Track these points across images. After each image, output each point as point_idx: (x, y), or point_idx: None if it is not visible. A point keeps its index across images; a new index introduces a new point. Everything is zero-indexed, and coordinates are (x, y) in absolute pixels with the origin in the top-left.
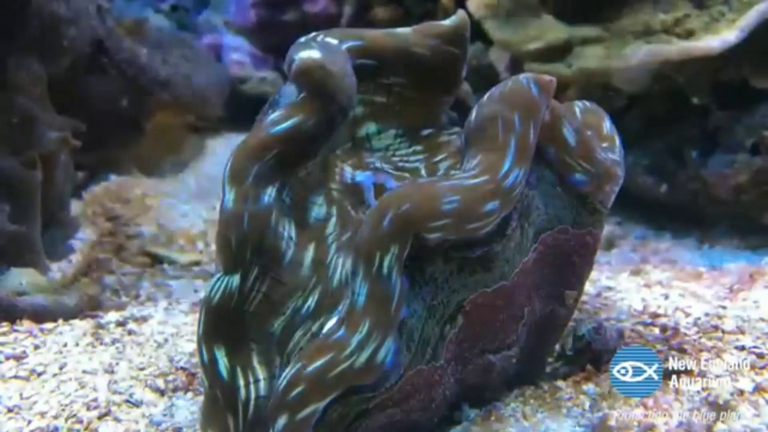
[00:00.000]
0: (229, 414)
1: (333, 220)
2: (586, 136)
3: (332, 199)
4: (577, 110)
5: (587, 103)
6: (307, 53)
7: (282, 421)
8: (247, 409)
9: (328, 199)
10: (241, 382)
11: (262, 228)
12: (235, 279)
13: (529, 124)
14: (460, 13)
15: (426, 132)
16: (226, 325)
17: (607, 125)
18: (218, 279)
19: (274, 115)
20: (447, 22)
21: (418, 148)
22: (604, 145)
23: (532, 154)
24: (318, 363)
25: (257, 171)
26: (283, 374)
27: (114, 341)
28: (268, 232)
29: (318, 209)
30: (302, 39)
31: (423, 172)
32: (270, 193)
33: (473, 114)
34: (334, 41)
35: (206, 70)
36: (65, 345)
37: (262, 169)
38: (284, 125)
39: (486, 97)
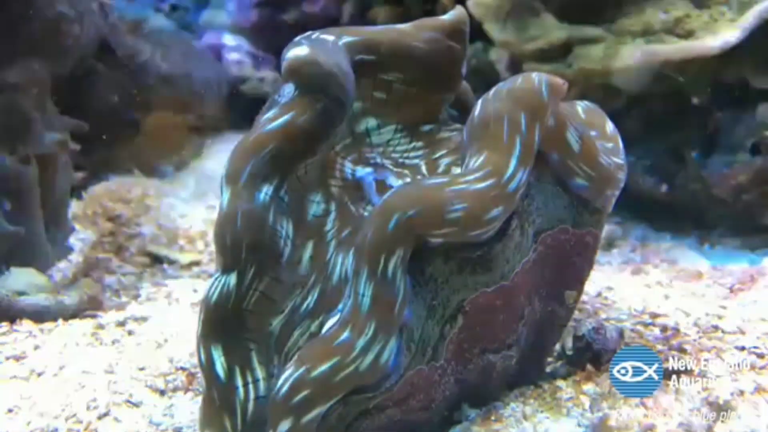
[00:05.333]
0: (225, 414)
1: (332, 216)
2: (590, 139)
3: (331, 196)
4: (580, 109)
5: (588, 103)
6: (295, 51)
7: (286, 425)
8: (246, 410)
9: (326, 196)
10: (240, 382)
11: (258, 226)
12: (232, 278)
13: (535, 125)
14: (459, 8)
15: (426, 128)
16: (223, 325)
17: (610, 126)
18: (216, 279)
19: (268, 114)
20: (446, 16)
21: (418, 144)
22: (609, 145)
23: (535, 156)
24: (323, 367)
25: (252, 169)
26: (284, 376)
27: (114, 341)
28: (265, 230)
29: (316, 206)
30: (296, 38)
31: (423, 168)
32: (266, 191)
33: (477, 107)
34: (330, 38)
35: (206, 68)
36: (65, 345)
37: (258, 166)
38: (278, 122)
39: (493, 91)
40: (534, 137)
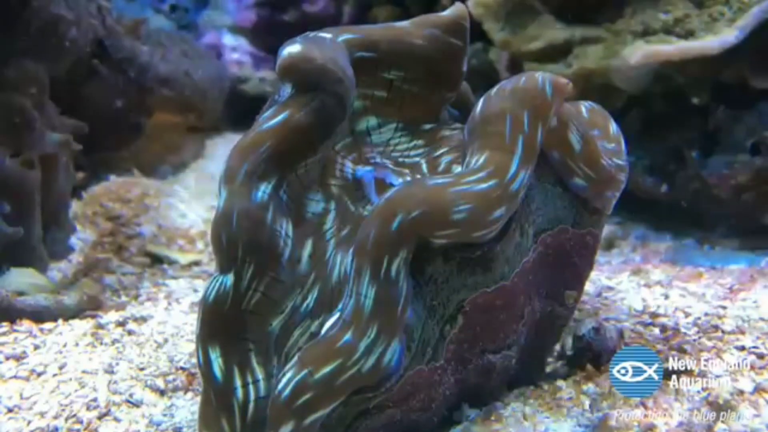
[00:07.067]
0: (223, 416)
1: (331, 215)
2: (592, 139)
3: (331, 194)
4: (584, 109)
5: (592, 103)
6: (288, 49)
7: (288, 428)
8: (245, 410)
9: (326, 195)
10: (239, 383)
11: (255, 225)
12: (229, 278)
13: (538, 125)
14: (459, 4)
15: (427, 127)
16: (221, 326)
17: (613, 126)
18: (213, 279)
19: (266, 113)
20: (445, 13)
21: (419, 142)
22: (611, 146)
23: (537, 156)
24: (326, 370)
25: (249, 168)
26: (286, 378)
27: (114, 341)
28: (263, 230)
29: (315, 205)
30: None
31: (424, 167)
32: (264, 190)
33: (480, 104)
34: (328, 35)
35: (206, 67)
36: (65, 345)
37: (255, 165)
38: (275, 120)
39: (496, 89)
40: (536, 137)
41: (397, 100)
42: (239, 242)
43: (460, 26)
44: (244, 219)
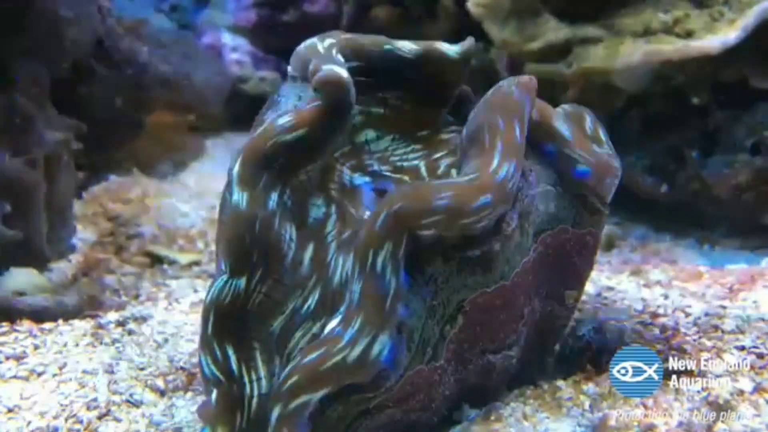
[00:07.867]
0: (238, 410)
1: (332, 219)
2: (578, 129)
3: (331, 199)
4: (561, 110)
5: (567, 106)
6: (333, 68)
7: (276, 412)
8: (250, 406)
9: (327, 199)
10: (246, 379)
11: (269, 231)
12: (243, 281)
13: (513, 121)
14: (470, 39)
15: (424, 132)
16: (232, 325)
17: (588, 122)
18: (226, 282)
19: (284, 120)
20: (453, 51)
21: (417, 146)
22: (593, 137)
23: (523, 148)
24: (311, 356)
25: (267, 176)
26: (285, 371)
27: (114, 341)
28: (273, 235)
29: (317, 209)
30: (316, 44)
31: (423, 170)
32: (274, 197)
33: (466, 126)
34: (341, 60)
35: (206, 68)
36: (65, 345)
37: (272, 173)
38: (295, 134)
39: (478, 105)
40: (514, 132)
41: (394, 115)
42: (258, 247)
43: (464, 60)
44: (265, 225)
